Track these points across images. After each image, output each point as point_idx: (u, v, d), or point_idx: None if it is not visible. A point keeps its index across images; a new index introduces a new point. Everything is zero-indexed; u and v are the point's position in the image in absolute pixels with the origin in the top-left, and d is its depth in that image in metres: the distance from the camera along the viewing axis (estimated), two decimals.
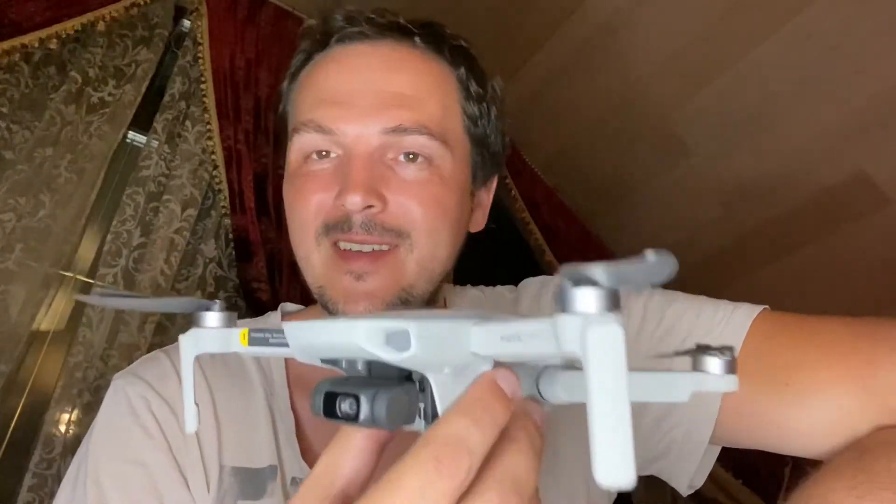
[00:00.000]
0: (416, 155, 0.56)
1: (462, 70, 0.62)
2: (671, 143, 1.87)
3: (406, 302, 0.55)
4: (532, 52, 1.83)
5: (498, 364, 0.28)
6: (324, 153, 0.58)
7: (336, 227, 0.55)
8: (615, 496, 0.62)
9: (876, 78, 1.54)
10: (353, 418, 0.26)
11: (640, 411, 0.57)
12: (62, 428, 1.30)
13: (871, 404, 0.45)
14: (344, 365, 0.29)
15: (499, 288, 0.72)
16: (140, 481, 0.54)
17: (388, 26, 0.61)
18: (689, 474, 0.55)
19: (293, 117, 0.62)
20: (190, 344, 0.33)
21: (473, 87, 0.63)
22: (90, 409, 1.30)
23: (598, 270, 0.22)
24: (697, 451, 0.54)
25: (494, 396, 0.26)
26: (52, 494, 1.24)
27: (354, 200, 0.53)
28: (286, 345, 0.31)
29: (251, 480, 0.56)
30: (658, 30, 1.65)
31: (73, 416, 1.31)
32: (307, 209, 0.57)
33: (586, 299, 0.22)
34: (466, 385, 0.26)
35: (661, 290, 0.60)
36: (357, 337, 0.26)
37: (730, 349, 0.29)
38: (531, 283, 0.70)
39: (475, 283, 0.74)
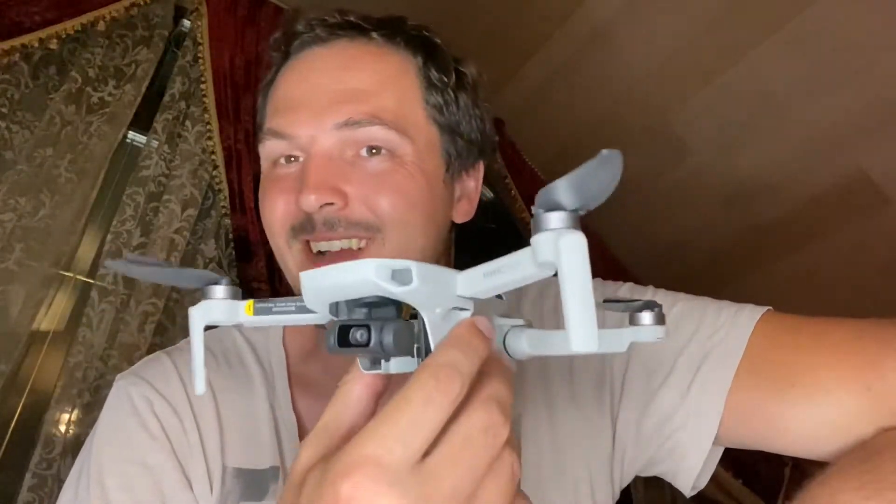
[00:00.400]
0: (378, 148, 0.56)
1: (419, 59, 0.62)
2: (671, 143, 1.87)
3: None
4: (532, 52, 1.83)
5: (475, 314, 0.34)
6: (291, 158, 0.58)
7: (301, 228, 0.56)
8: (618, 496, 0.62)
9: (876, 78, 1.54)
10: (365, 345, 0.31)
11: (644, 412, 0.57)
12: (62, 428, 1.30)
13: (876, 406, 0.45)
14: (346, 312, 0.34)
15: None
16: (143, 482, 0.54)
17: (341, 25, 0.61)
18: (693, 475, 0.55)
19: (260, 128, 0.63)
20: (199, 314, 0.37)
21: (435, 76, 0.62)
22: (90, 409, 1.30)
23: (561, 186, 0.28)
24: (701, 453, 0.54)
25: (475, 334, 0.31)
26: (52, 494, 1.23)
27: (308, 200, 0.53)
28: (290, 311, 0.36)
29: (254, 481, 0.56)
30: (658, 30, 1.65)
31: (73, 416, 1.31)
32: (274, 213, 0.58)
33: (556, 219, 0.28)
34: (451, 326, 0.32)
35: (664, 291, 0.60)
36: (368, 273, 0.31)
37: (658, 305, 0.35)
38: (532, 285, 0.70)
39: None
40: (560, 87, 1.88)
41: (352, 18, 0.61)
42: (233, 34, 1.61)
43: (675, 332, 0.56)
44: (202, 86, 1.57)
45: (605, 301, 0.37)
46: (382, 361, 0.33)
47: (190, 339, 0.38)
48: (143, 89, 1.55)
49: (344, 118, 0.56)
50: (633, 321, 0.35)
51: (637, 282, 0.64)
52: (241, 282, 1.50)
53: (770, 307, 0.54)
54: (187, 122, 1.57)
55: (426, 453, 0.28)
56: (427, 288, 0.31)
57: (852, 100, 1.60)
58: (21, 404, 1.35)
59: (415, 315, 0.33)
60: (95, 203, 1.47)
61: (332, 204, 0.54)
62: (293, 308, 0.37)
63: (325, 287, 0.33)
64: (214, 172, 1.54)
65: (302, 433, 0.59)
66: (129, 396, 0.58)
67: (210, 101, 1.55)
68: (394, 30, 0.62)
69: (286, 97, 0.60)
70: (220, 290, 0.37)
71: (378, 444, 0.27)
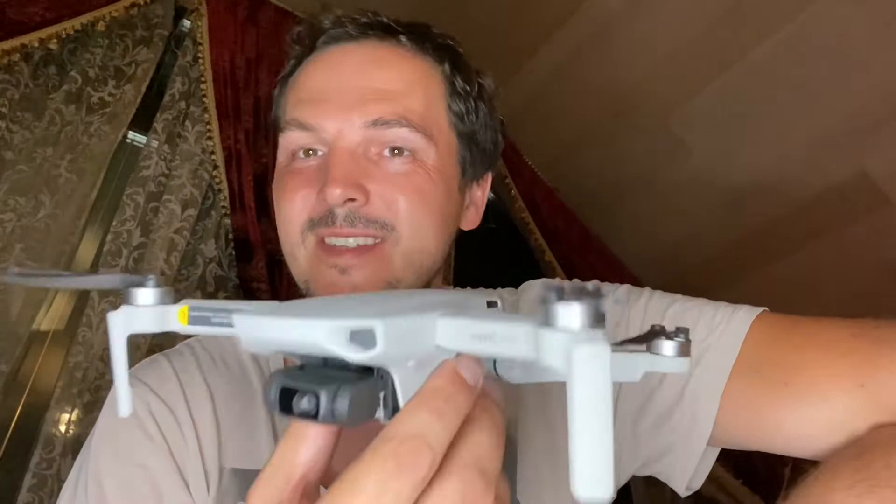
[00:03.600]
0: (400, 149, 0.57)
1: (446, 66, 0.63)
2: (671, 143, 1.87)
3: None
4: (532, 52, 1.83)
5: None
6: (310, 151, 0.59)
7: (320, 221, 0.56)
8: (615, 496, 0.62)
9: (875, 78, 1.54)
10: (313, 416, 0.25)
11: (639, 413, 0.57)
12: (62, 428, 1.30)
13: (870, 402, 0.45)
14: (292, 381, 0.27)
15: (499, 290, 0.72)
16: (141, 484, 0.54)
17: (372, 25, 0.61)
18: (687, 475, 0.55)
19: (280, 120, 0.63)
20: (119, 323, 0.30)
21: (459, 84, 0.63)
22: (90, 409, 1.30)
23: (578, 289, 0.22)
24: (696, 453, 0.54)
25: (456, 387, 0.25)
26: (52, 494, 1.24)
27: (334, 193, 0.53)
28: (229, 325, 0.29)
29: (251, 482, 0.56)
30: (658, 30, 1.65)
31: (73, 416, 1.31)
32: (292, 205, 0.58)
33: (572, 315, 0.22)
34: (428, 374, 0.26)
35: (661, 292, 0.60)
36: (318, 337, 0.24)
37: (684, 332, 0.29)
38: (532, 286, 0.70)
39: (475, 284, 0.74)
40: (560, 87, 1.88)
41: (383, 19, 0.62)
42: (233, 34, 1.61)
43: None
44: (202, 86, 1.57)
45: (618, 344, 0.30)
46: None
47: (112, 353, 0.31)
48: (143, 89, 1.55)
49: (374, 117, 0.56)
50: (651, 349, 0.30)
51: (636, 282, 0.64)
52: (241, 282, 1.50)
53: (766, 308, 0.55)
54: (187, 122, 1.57)
55: None
56: (396, 347, 0.25)
57: (852, 100, 1.60)
58: (21, 404, 1.35)
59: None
60: (95, 203, 1.47)
61: (354, 200, 0.54)
62: (230, 322, 0.30)
63: (266, 339, 0.27)
64: (214, 172, 1.54)
65: None
66: None
67: (210, 101, 1.55)
68: (422, 35, 0.62)
69: (313, 89, 0.60)
70: (145, 295, 0.30)
71: None
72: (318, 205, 0.56)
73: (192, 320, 0.30)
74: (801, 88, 1.62)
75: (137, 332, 0.30)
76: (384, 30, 0.61)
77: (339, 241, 0.56)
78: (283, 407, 0.25)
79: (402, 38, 0.61)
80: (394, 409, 0.26)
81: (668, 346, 0.29)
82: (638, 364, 0.29)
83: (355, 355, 0.24)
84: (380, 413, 0.27)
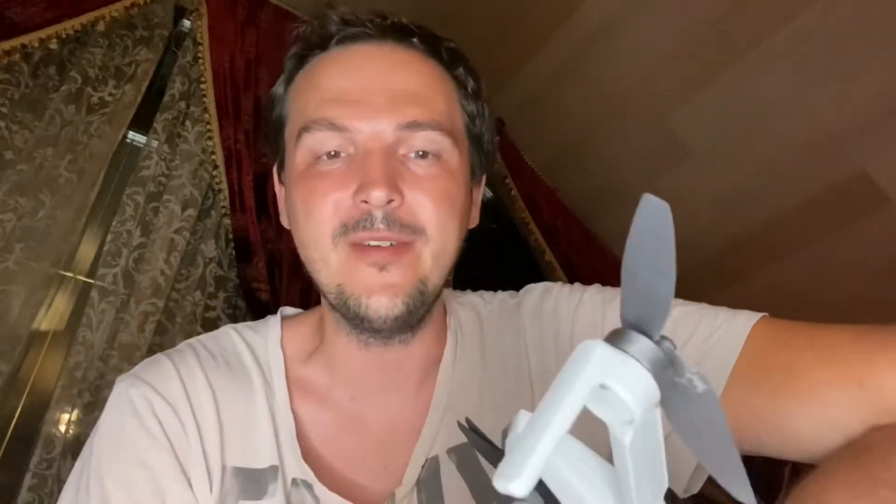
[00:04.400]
0: (426, 152, 0.58)
1: (460, 69, 0.64)
2: (671, 143, 1.87)
3: (423, 293, 0.56)
4: (532, 52, 1.83)
5: None
6: (333, 153, 0.58)
7: (357, 225, 0.55)
8: None
9: (876, 78, 1.54)
10: None
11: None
12: (62, 428, 1.30)
13: (868, 403, 0.45)
14: None
15: (500, 294, 0.72)
16: (144, 483, 0.54)
17: (391, 27, 0.61)
18: (685, 478, 0.55)
19: (296, 119, 0.61)
20: None
21: (471, 86, 0.64)
22: (90, 409, 1.30)
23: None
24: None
25: None
26: (52, 494, 1.24)
27: (379, 195, 0.53)
28: None
29: (253, 481, 0.57)
30: (658, 29, 1.65)
31: (73, 416, 1.31)
32: (324, 209, 0.56)
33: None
34: None
35: None
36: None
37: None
38: (533, 290, 0.70)
39: (475, 284, 0.74)
40: (560, 88, 1.88)
41: (399, 20, 0.62)
42: (233, 34, 1.61)
43: (671, 336, 0.56)
44: (202, 86, 1.57)
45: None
46: None
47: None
48: (143, 89, 1.56)
49: (407, 119, 0.57)
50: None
51: None
52: (241, 282, 1.50)
53: (766, 313, 0.54)
54: (187, 122, 1.57)
55: None
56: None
57: (852, 100, 1.60)
58: (21, 404, 1.35)
59: None
60: (95, 203, 1.47)
61: (392, 201, 0.55)
62: None
63: None
64: (214, 172, 1.54)
65: (300, 433, 0.59)
66: (129, 398, 0.58)
67: (210, 101, 1.55)
68: (433, 39, 0.63)
69: (338, 90, 0.59)
70: None
71: None
72: (353, 209, 0.55)
73: None
74: (800, 88, 1.62)
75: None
76: (400, 32, 0.62)
77: (374, 242, 0.55)
78: None
79: (416, 41, 0.62)
80: None
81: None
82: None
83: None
84: None
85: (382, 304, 0.54)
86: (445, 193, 0.58)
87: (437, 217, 0.57)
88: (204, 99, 1.56)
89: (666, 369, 0.22)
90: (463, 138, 0.62)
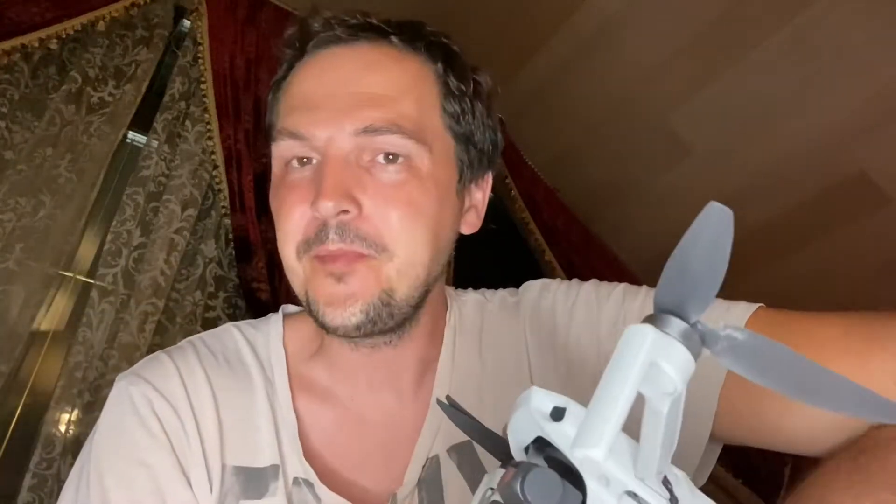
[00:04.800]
0: (395, 155, 0.56)
1: (440, 66, 0.61)
2: (671, 143, 1.87)
3: (388, 304, 0.55)
4: (532, 52, 1.83)
5: None
6: (304, 160, 0.57)
7: (314, 240, 0.55)
8: None
9: (876, 78, 1.54)
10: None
11: (639, 411, 0.57)
12: (62, 428, 1.30)
13: None
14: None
15: (500, 292, 0.71)
16: (144, 482, 0.54)
17: (362, 27, 0.60)
18: (689, 472, 0.55)
19: (273, 127, 0.61)
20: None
21: (454, 84, 0.61)
22: (90, 409, 1.30)
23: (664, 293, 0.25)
24: (697, 449, 0.54)
25: None
26: (52, 494, 1.24)
27: (326, 206, 0.52)
28: None
29: (253, 480, 0.57)
30: (658, 30, 1.65)
31: (73, 416, 1.31)
32: (290, 222, 0.56)
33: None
34: None
35: None
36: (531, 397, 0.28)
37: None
38: (531, 287, 0.69)
39: (475, 284, 0.74)
40: (560, 88, 1.88)
41: (374, 21, 0.60)
42: (233, 34, 1.61)
43: None
44: (202, 86, 1.57)
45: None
46: None
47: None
48: (143, 89, 1.56)
49: (364, 124, 0.55)
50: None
51: (636, 282, 0.64)
52: (241, 282, 1.50)
53: (762, 304, 0.55)
54: (187, 122, 1.57)
55: None
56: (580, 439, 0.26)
57: (852, 100, 1.60)
58: (21, 404, 1.35)
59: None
60: (95, 203, 1.47)
61: (347, 212, 0.53)
62: None
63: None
64: (214, 172, 1.54)
65: (302, 432, 0.59)
66: (129, 396, 0.58)
67: (210, 101, 1.55)
68: (414, 35, 0.61)
69: (303, 96, 0.58)
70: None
71: None
72: (313, 221, 0.55)
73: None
74: (800, 88, 1.62)
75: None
76: (375, 31, 0.60)
77: (336, 251, 0.55)
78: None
79: (394, 39, 0.60)
80: None
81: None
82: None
83: (545, 423, 0.27)
84: None
85: (338, 315, 0.54)
86: (410, 202, 0.55)
87: (400, 229, 0.55)
88: (204, 99, 1.56)
89: (700, 346, 0.26)
90: (441, 139, 0.59)
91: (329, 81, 0.58)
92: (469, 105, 0.62)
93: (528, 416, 0.28)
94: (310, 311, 0.56)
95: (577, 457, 0.24)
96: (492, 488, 0.28)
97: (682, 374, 0.25)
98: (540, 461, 0.28)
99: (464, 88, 0.62)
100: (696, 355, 0.26)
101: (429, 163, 0.57)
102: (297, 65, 0.62)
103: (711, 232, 0.26)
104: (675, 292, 0.26)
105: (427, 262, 0.57)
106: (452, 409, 0.35)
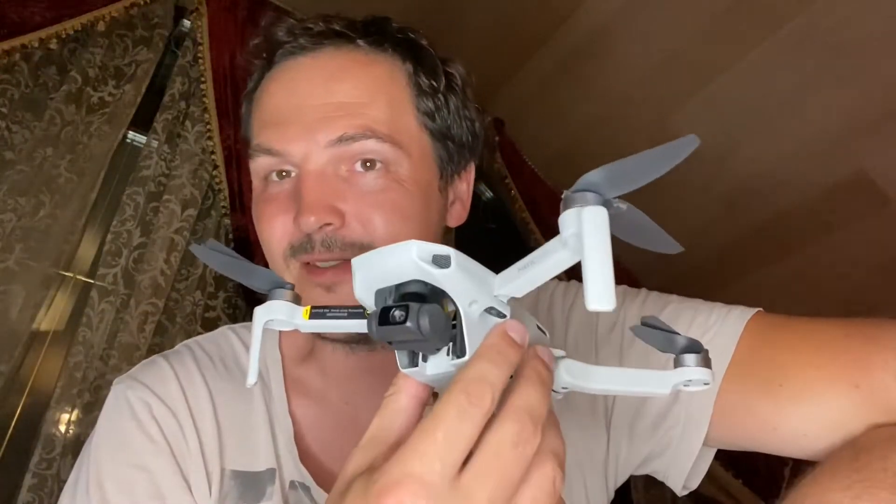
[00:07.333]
0: (372, 162, 0.55)
1: (409, 65, 0.60)
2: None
3: None
4: (532, 52, 1.83)
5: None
6: (283, 173, 0.57)
7: (300, 248, 0.55)
8: (613, 496, 0.62)
9: (876, 78, 1.54)
10: (402, 322, 0.32)
11: (637, 414, 0.57)
12: (62, 428, 1.30)
13: (864, 403, 0.45)
14: (391, 302, 0.34)
15: None
16: (143, 486, 0.54)
17: (325, 33, 0.59)
18: (683, 474, 0.55)
19: (250, 141, 0.61)
20: (262, 312, 0.39)
21: (425, 82, 0.60)
22: (90, 409, 1.30)
23: (594, 173, 0.31)
24: (692, 452, 0.54)
25: (506, 342, 0.32)
26: (52, 494, 1.24)
27: (308, 222, 0.52)
28: (342, 317, 0.39)
29: (251, 484, 0.56)
30: (658, 30, 1.65)
31: (73, 416, 1.31)
32: (272, 234, 0.57)
33: (580, 198, 0.31)
34: (486, 331, 0.33)
35: (657, 293, 0.60)
36: (410, 253, 0.32)
37: (703, 349, 0.34)
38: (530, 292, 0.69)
39: None
40: (560, 87, 1.88)
41: (336, 26, 0.59)
42: (233, 34, 1.61)
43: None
44: (202, 86, 1.57)
45: (643, 324, 0.36)
46: (420, 361, 0.34)
47: (252, 333, 0.40)
48: (143, 89, 1.56)
49: (337, 134, 0.54)
50: (677, 363, 0.34)
51: (635, 283, 0.64)
52: None
53: (760, 308, 0.54)
54: (187, 122, 1.57)
55: (462, 466, 0.29)
56: (463, 277, 0.33)
57: (852, 100, 1.60)
58: (21, 404, 1.35)
59: (454, 317, 0.34)
60: (95, 203, 1.47)
61: (329, 224, 0.53)
62: (345, 314, 0.39)
63: (371, 273, 0.35)
64: (214, 172, 1.54)
65: (298, 435, 0.59)
66: (127, 400, 0.58)
67: (210, 101, 1.55)
68: (380, 35, 0.60)
69: (273, 110, 0.58)
70: (284, 294, 0.39)
71: (419, 461, 0.29)
72: (296, 232, 0.55)
73: (313, 315, 0.39)
74: (800, 88, 1.62)
75: (271, 325, 0.39)
76: (340, 37, 0.59)
77: (320, 264, 0.55)
78: (382, 321, 0.33)
79: (360, 43, 0.59)
80: (461, 350, 0.33)
81: (691, 359, 0.34)
82: (667, 379, 0.34)
83: (434, 271, 0.32)
84: (447, 360, 0.34)
85: None
86: (394, 207, 0.55)
87: (386, 233, 0.54)
88: (204, 99, 1.56)
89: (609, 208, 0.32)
90: (417, 139, 0.59)
91: (298, 94, 0.57)
92: (443, 100, 0.61)
93: (410, 263, 0.32)
94: None
95: (596, 309, 0.30)
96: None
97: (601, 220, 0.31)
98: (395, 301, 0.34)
99: (435, 85, 0.61)
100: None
101: (407, 165, 0.57)
102: (265, 76, 0.61)
103: (675, 148, 0.32)
104: (614, 179, 0.32)
105: None
106: (212, 251, 0.40)
